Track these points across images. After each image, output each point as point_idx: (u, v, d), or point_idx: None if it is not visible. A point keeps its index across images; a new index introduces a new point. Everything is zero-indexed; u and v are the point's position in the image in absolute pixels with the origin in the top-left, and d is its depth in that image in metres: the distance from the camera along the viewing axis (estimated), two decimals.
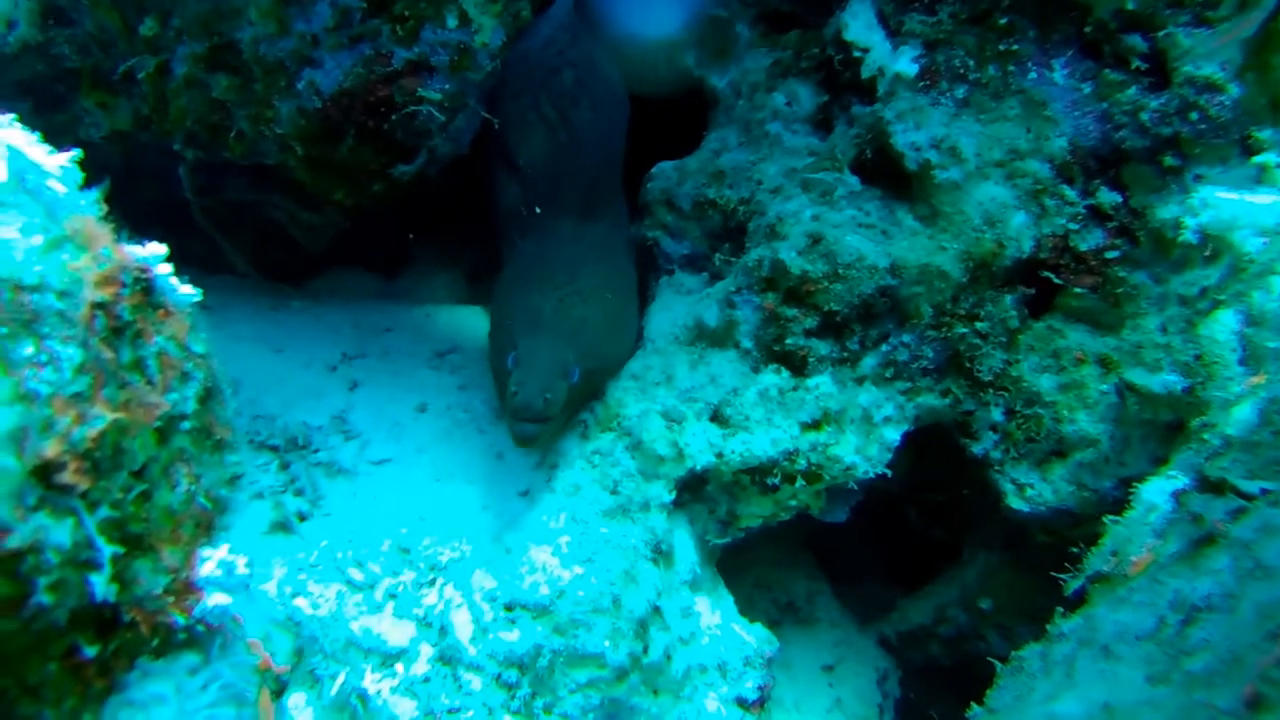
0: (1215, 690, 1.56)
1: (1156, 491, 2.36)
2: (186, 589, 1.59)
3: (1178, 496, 2.27)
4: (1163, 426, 2.84)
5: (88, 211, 1.57)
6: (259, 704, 1.65)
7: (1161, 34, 2.93)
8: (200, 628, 1.62)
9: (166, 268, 1.68)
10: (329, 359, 3.71)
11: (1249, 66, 2.78)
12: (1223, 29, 2.80)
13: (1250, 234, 2.72)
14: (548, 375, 2.86)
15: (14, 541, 1.25)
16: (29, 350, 1.35)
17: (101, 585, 1.39)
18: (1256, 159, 2.87)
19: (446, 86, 3.01)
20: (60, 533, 1.31)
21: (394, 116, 3.02)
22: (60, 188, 1.60)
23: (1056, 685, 2.03)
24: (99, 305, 1.47)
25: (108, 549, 1.39)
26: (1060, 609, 2.32)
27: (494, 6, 2.98)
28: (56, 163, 1.62)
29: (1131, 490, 2.46)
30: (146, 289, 1.59)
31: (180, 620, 1.58)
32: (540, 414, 2.80)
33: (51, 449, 1.31)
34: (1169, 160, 2.93)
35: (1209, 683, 1.60)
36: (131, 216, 1.70)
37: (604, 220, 3.80)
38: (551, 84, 4.05)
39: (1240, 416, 2.34)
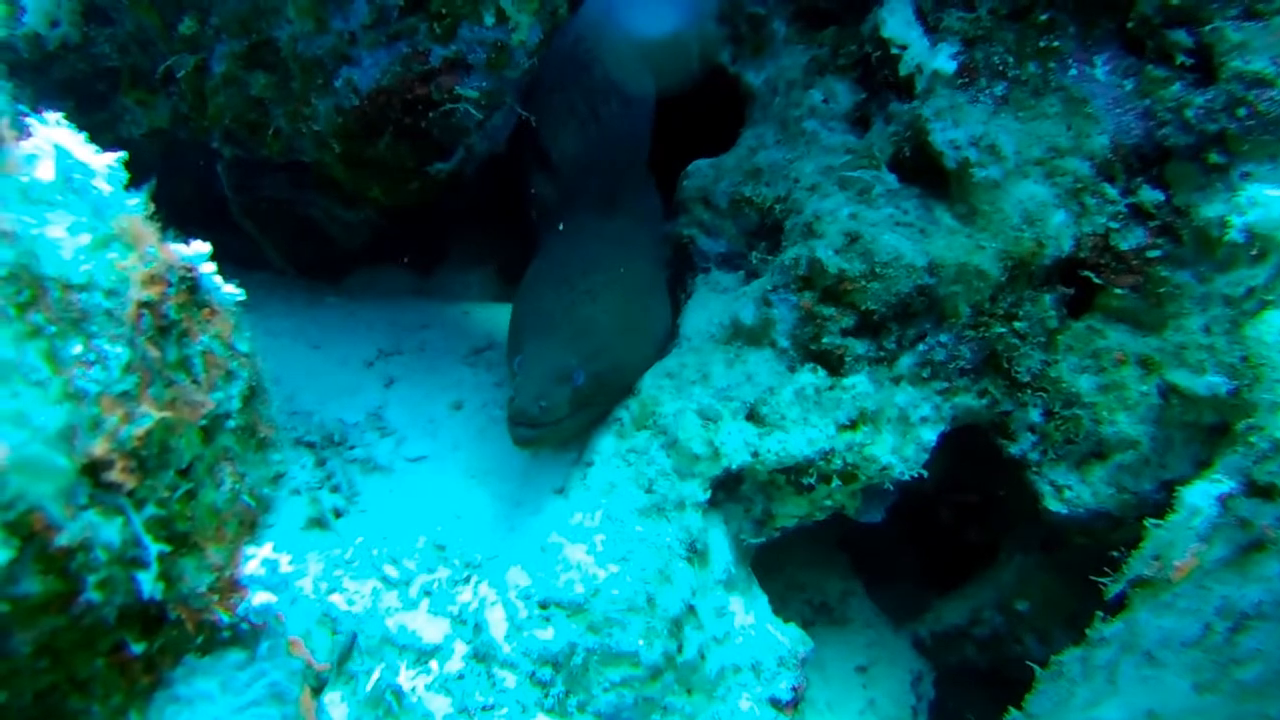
0: (1269, 700, 1.53)
1: (1200, 495, 2.32)
2: (231, 587, 1.60)
3: (1224, 500, 2.22)
4: (1206, 429, 2.80)
5: (134, 210, 1.58)
6: (301, 702, 1.66)
7: (1208, 29, 2.87)
8: (244, 626, 1.63)
9: (210, 266, 1.69)
10: (365, 355, 3.74)
11: None
12: (1277, 21, 2.74)
13: None
14: (545, 381, 2.88)
15: (64, 539, 1.26)
16: (77, 349, 1.36)
17: (149, 583, 1.39)
18: None
19: (484, 84, 3.01)
20: (109, 531, 1.32)
21: (431, 114, 3.03)
22: (106, 187, 1.61)
23: (1098, 691, 2.01)
24: (146, 304, 1.48)
25: (154, 547, 1.40)
26: (1100, 613, 2.29)
27: (531, 4, 2.98)
28: (103, 162, 1.63)
29: (1173, 494, 2.41)
30: (192, 288, 1.60)
31: (225, 618, 1.59)
32: (535, 420, 2.84)
33: (100, 447, 1.32)
34: (1214, 157, 2.87)
35: (1261, 693, 1.57)
36: (169, 213, 1.71)
37: (630, 215, 3.81)
38: (583, 80, 4.06)
39: None
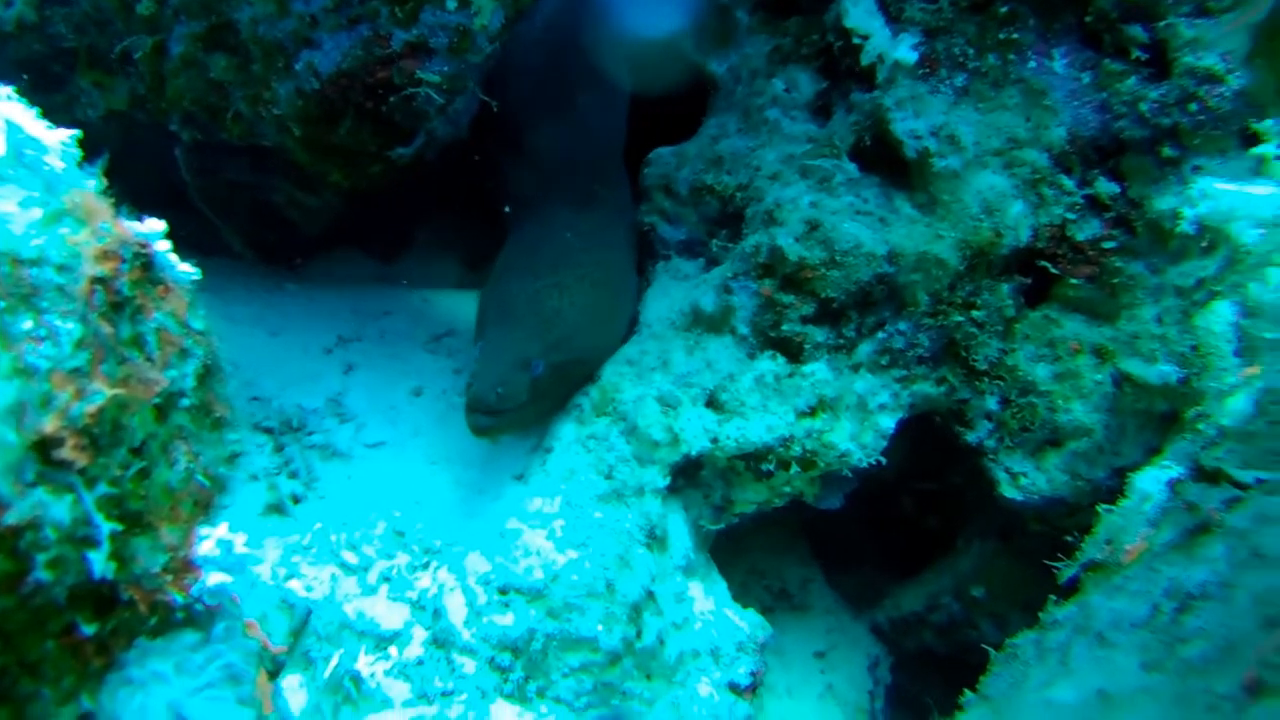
0: (1212, 677, 1.57)
1: (1151, 481, 2.36)
2: (185, 567, 1.59)
3: (1173, 486, 2.27)
4: (1158, 416, 2.85)
5: (87, 186, 1.56)
6: (257, 683, 1.65)
7: (1162, 24, 2.92)
8: (199, 607, 1.62)
9: (166, 244, 1.67)
10: (325, 342, 3.72)
11: (1258, 52, 2.77)
12: (1227, 18, 2.79)
13: (1248, 225, 2.71)
14: (504, 369, 2.88)
15: (12, 517, 1.25)
16: (28, 325, 1.34)
17: (100, 563, 1.38)
18: (1255, 150, 2.85)
19: (445, 69, 2.99)
20: (59, 509, 1.30)
21: (392, 99, 3.00)
22: (59, 163, 1.59)
23: (1051, 672, 2.04)
24: (98, 280, 1.46)
25: (106, 526, 1.38)
26: (1054, 597, 2.33)
27: None
28: (56, 138, 1.61)
29: (1125, 480, 2.45)
30: (146, 265, 1.59)
31: (179, 599, 1.58)
32: (492, 407, 2.84)
33: (50, 424, 1.30)
34: (1168, 151, 2.92)
35: (1205, 670, 1.60)
36: (128, 197, 1.69)
37: (604, 206, 3.79)
38: (559, 66, 4.03)
39: (1235, 407, 2.34)
